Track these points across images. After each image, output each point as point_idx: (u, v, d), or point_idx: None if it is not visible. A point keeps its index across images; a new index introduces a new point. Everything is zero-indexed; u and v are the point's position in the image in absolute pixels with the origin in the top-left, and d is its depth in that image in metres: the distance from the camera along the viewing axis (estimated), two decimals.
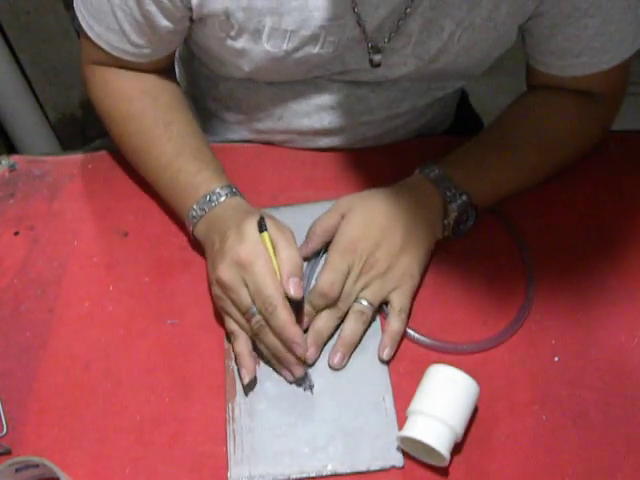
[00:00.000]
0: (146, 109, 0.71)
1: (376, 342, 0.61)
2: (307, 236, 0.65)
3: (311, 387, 0.59)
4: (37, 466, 0.51)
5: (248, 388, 0.59)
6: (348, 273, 0.60)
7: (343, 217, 0.63)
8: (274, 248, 0.58)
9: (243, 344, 0.59)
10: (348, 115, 0.77)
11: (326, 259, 0.62)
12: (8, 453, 0.56)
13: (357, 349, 0.61)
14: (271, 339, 0.57)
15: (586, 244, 0.69)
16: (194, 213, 0.65)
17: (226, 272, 0.57)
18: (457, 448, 0.54)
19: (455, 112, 0.92)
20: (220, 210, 0.64)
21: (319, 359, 0.61)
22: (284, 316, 0.56)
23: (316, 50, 0.66)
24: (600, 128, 0.76)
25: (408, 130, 0.82)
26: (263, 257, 0.57)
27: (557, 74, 0.70)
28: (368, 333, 0.62)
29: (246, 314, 0.57)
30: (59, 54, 1.61)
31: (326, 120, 0.77)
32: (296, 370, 0.58)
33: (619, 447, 0.55)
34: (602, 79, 0.70)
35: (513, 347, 0.61)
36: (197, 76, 0.83)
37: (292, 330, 0.56)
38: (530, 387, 0.59)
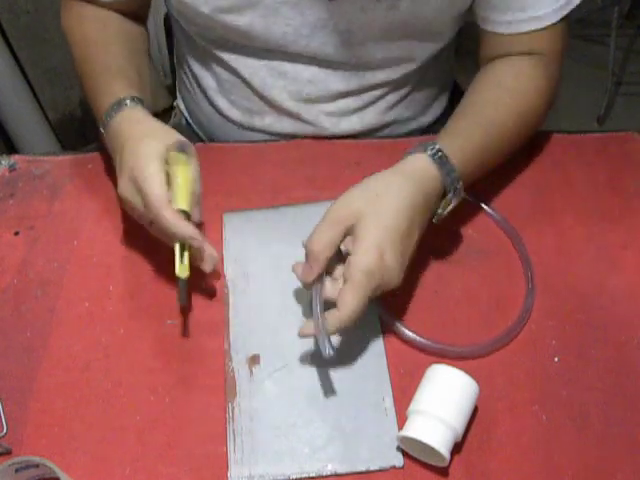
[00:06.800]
0: (92, 33, 0.75)
1: (376, 343, 0.62)
2: (307, 259, 0.57)
3: (332, 352, 0.54)
4: (37, 466, 0.51)
5: (248, 388, 0.59)
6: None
7: (348, 229, 0.57)
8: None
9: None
10: (323, 85, 0.79)
11: (348, 277, 0.55)
12: (8, 453, 0.56)
13: (357, 349, 0.61)
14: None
15: (586, 244, 0.69)
16: (103, 124, 0.67)
17: (123, 188, 0.61)
18: (457, 448, 0.54)
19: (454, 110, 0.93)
20: (120, 119, 0.65)
21: (317, 361, 0.61)
22: (169, 215, 0.57)
23: None
24: (555, 87, 0.75)
25: (395, 111, 0.84)
26: (152, 168, 0.59)
27: (503, 31, 0.71)
28: (368, 335, 0.62)
29: (147, 225, 0.62)
30: (59, 54, 1.62)
31: (304, 92, 0.79)
32: (206, 267, 0.63)
33: (619, 447, 0.55)
34: (548, 37, 0.71)
35: (513, 347, 0.61)
36: (185, 63, 0.88)
37: (179, 227, 0.58)
38: (530, 387, 0.59)
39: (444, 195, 0.63)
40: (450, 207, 0.63)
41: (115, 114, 0.65)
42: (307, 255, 0.57)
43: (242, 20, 0.71)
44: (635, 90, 2.10)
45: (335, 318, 0.54)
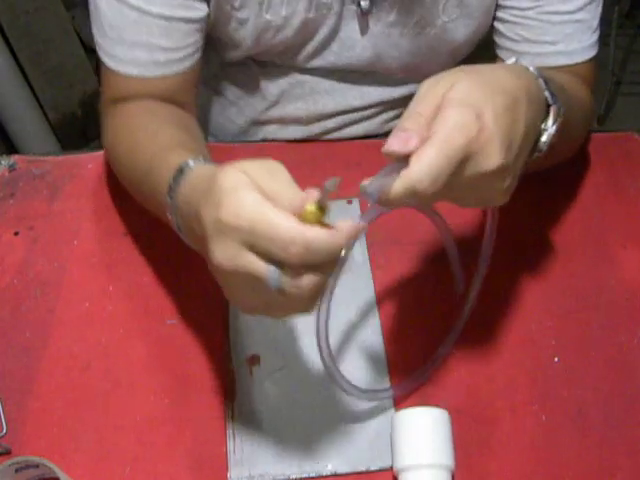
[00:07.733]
0: (139, 121, 0.64)
1: (376, 342, 0.62)
2: (397, 127, 0.44)
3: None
4: (37, 466, 0.51)
5: (248, 388, 0.59)
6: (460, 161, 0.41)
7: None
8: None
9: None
10: (341, 98, 0.79)
11: (431, 135, 0.41)
12: (8, 453, 0.56)
13: (356, 348, 0.61)
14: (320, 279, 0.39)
15: (585, 244, 0.69)
16: (168, 200, 0.49)
17: (218, 252, 0.39)
18: (457, 448, 0.54)
19: None
20: (184, 188, 0.47)
21: (317, 361, 0.60)
22: (324, 237, 0.37)
23: (311, 14, 0.68)
24: (593, 117, 0.73)
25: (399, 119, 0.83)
26: (250, 200, 0.38)
27: (529, 64, 0.68)
28: (368, 333, 0.62)
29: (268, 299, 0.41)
30: (59, 54, 1.62)
31: (320, 103, 0.79)
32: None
33: (619, 447, 0.55)
34: (579, 71, 0.69)
35: (513, 347, 0.61)
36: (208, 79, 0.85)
37: (338, 237, 0.38)
38: (530, 387, 0.59)
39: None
40: (558, 124, 0.49)
41: (178, 186, 0.48)
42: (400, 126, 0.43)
43: (280, 40, 0.71)
44: (635, 90, 2.10)
45: (403, 176, 0.40)
